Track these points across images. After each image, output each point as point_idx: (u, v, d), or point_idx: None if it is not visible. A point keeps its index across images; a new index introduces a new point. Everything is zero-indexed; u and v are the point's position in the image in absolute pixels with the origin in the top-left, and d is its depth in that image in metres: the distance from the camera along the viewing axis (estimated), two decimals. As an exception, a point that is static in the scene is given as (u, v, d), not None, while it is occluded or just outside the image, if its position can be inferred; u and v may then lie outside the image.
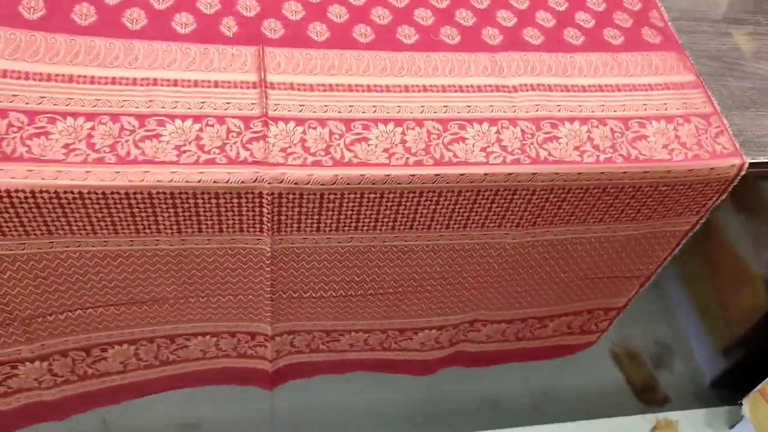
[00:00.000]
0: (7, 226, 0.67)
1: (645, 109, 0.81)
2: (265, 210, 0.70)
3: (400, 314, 0.90)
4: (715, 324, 1.28)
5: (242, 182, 0.67)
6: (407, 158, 0.72)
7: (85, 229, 0.70)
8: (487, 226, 0.80)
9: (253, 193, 0.68)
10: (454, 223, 0.78)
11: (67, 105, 0.70)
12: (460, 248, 0.83)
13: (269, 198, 0.68)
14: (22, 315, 0.76)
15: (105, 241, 0.72)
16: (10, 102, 0.69)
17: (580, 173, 0.75)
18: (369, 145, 0.72)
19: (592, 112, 0.79)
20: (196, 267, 0.78)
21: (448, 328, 0.96)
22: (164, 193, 0.66)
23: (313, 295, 0.83)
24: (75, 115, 0.69)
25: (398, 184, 0.70)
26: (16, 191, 0.64)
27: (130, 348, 0.87)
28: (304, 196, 0.69)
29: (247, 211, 0.69)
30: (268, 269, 0.78)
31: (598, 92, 0.82)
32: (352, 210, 0.72)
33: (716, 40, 0.96)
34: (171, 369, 0.93)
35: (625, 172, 0.76)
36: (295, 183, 0.68)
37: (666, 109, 0.82)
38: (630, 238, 0.87)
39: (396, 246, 0.80)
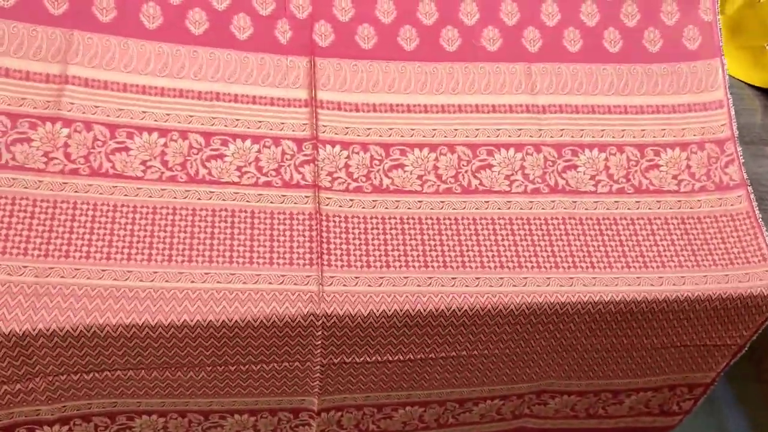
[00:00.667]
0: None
1: (663, 135, 0.88)
2: (314, 234, 0.78)
3: (461, 382, 0.82)
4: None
5: (295, 203, 0.79)
6: (438, 185, 0.82)
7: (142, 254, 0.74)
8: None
9: (303, 214, 0.78)
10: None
11: (143, 119, 0.80)
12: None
13: (317, 223, 0.77)
14: (45, 370, 0.69)
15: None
16: (93, 114, 0.79)
17: (596, 203, 0.84)
18: (405, 171, 0.83)
19: (613, 137, 0.87)
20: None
21: (512, 398, 0.87)
22: (227, 210, 0.78)
23: (368, 359, 0.77)
24: (150, 130, 0.80)
25: (431, 209, 0.80)
26: (103, 204, 0.75)
27: (159, 420, 0.78)
28: (349, 220, 0.79)
29: (298, 236, 0.78)
30: (320, 323, 0.72)
31: (621, 114, 0.89)
32: (398, 241, 0.79)
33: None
34: None
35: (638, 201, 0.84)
36: (339, 206, 0.79)
37: (683, 135, 0.88)
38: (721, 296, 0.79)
39: None
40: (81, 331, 0.66)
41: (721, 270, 0.81)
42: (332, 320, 0.71)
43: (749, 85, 1.08)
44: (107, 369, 0.71)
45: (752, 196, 0.86)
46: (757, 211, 0.85)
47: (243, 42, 0.84)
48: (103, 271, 0.70)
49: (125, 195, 0.75)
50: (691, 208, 0.84)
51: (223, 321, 0.68)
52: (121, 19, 0.82)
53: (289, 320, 0.70)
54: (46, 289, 0.67)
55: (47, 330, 0.65)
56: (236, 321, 0.69)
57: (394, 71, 0.86)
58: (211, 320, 0.68)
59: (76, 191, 0.73)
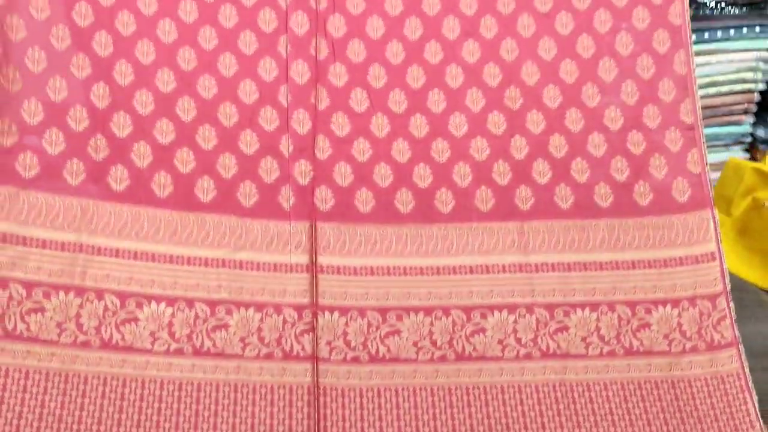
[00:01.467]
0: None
1: (654, 291, 0.90)
2: (311, 411, 0.80)
3: None
4: None
5: (294, 377, 0.80)
6: (432, 352, 0.83)
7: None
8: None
9: (302, 388, 0.80)
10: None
11: (151, 287, 0.84)
12: None
13: (315, 398, 0.79)
14: None
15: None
16: (105, 283, 0.83)
17: (586, 367, 0.84)
18: (401, 338, 0.84)
19: (604, 295, 0.89)
20: None
21: None
22: (229, 385, 0.80)
23: None
24: (158, 299, 0.83)
25: (425, 379, 0.81)
26: (113, 379, 0.78)
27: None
28: (346, 394, 0.81)
29: (297, 412, 0.80)
30: None
31: (613, 270, 0.91)
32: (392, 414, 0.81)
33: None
34: None
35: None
36: (337, 378, 0.80)
37: (674, 291, 0.90)
38: None
39: None
40: None
41: None
42: None
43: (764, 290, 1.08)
44: None
45: (743, 356, 0.86)
46: (747, 372, 0.85)
47: (248, 209, 0.89)
48: None
49: (134, 369, 0.76)
50: (681, 370, 0.85)
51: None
52: (134, 188, 0.88)
53: None
54: None
55: None
56: None
57: (391, 234, 0.90)
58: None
59: (87, 364, 0.75)
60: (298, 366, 0.78)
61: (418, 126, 0.95)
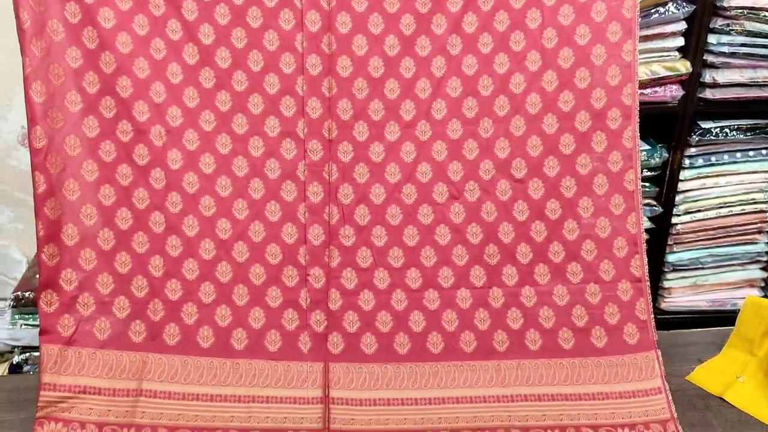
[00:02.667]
0: None
1: (613, 417, 1.31)
2: None
3: None
4: None
5: None
6: None
7: None
8: None
9: None
10: None
11: (195, 421, 1.29)
12: None
13: None
14: None
15: None
16: (159, 419, 1.30)
17: None
18: None
19: (571, 420, 1.30)
20: None
21: None
22: None
23: None
24: (201, 430, 1.29)
25: None
26: None
27: None
28: None
29: None
30: None
31: (577, 401, 1.33)
32: None
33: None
34: None
35: None
36: None
37: (630, 417, 1.30)
38: None
39: None
40: None
41: None
42: None
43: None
44: None
45: None
46: None
47: (274, 353, 1.35)
48: None
49: None
50: None
51: None
52: (183, 342, 1.36)
53: None
54: None
55: None
56: None
57: (390, 372, 1.35)
58: None
59: None
60: None
61: (413, 278, 1.40)
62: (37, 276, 1.39)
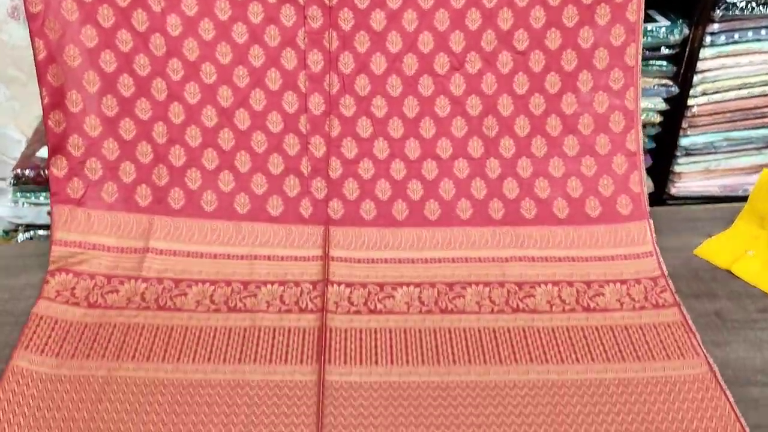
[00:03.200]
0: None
1: (605, 275, 1.48)
2: (319, 342, 1.35)
3: None
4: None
5: (308, 323, 1.39)
6: (421, 308, 1.42)
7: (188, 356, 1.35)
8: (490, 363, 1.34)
9: (314, 329, 1.37)
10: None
11: (199, 274, 1.48)
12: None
13: (324, 335, 1.35)
14: None
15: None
16: (165, 273, 1.48)
17: (551, 318, 1.41)
18: (395, 300, 1.44)
19: (564, 277, 1.48)
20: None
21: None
22: (255, 327, 1.38)
23: None
24: (203, 281, 1.47)
25: (414, 323, 1.39)
26: (164, 326, 1.39)
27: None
28: (348, 332, 1.37)
29: (308, 343, 1.36)
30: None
31: (570, 262, 1.51)
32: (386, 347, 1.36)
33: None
34: None
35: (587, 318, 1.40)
36: (341, 323, 1.39)
37: (621, 275, 1.47)
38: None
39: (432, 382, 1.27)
40: (134, 407, 1.23)
41: (659, 362, 1.32)
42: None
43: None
44: None
45: (685, 311, 1.41)
46: (689, 321, 1.39)
47: (276, 217, 1.54)
48: (157, 368, 1.31)
49: (181, 321, 1.39)
50: (632, 320, 1.40)
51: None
52: (187, 205, 1.54)
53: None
54: (114, 380, 1.28)
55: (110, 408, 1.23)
56: None
57: (388, 235, 1.53)
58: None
59: (145, 319, 1.39)
60: (311, 316, 1.39)
61: (412, 149, 1.57)
62: (36, 154, 1.58)
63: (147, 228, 1.52)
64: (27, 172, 1.82)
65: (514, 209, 1.56)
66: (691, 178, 2.01)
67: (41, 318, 1.37)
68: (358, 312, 1.42)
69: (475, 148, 1.58)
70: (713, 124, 1.94)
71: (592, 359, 1.33)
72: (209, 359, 1.32)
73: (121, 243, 1.51)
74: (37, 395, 1.23)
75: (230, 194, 1.56)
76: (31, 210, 1.88)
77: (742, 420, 1.20)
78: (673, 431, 1.19)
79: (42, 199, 1.87)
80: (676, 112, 1.91)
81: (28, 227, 1.95)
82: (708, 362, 1.31)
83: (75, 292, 1.43)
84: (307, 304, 1.43)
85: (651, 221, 1.56)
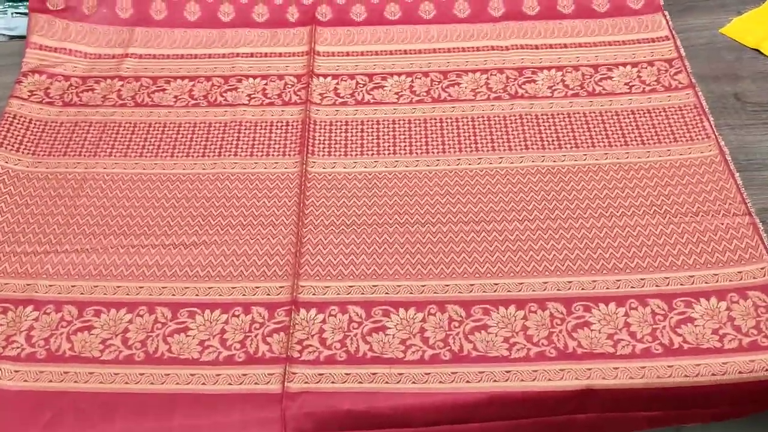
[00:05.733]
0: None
1: (615, 58, 1.39)
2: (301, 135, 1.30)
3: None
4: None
5: (291, 116, 1.33)
6: (412, 98, 1.36)
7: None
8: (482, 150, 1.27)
9: (297, 122, 1.32)
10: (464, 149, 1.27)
11: (178, 71, 1.44)
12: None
13: (306, 130, 1.30)
14: None
15: None
16: (143, 72, 1.43)
17: (551, 104, 1.33)
18: (384, 90, 1.38)
19: (569, 62, 1.39)
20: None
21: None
22: (236, 122, 1.33)
23: None
24: (183, 77, 1.42)
25: (403, 114, 1.32)
26: (141, 123, 1.34)
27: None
28: (333, 124, 1.31)
29: (291, 136, 1.29)
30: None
31: (576, 48, 1.41)
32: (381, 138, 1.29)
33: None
34: None
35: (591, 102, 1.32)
36: (326, 115, 1.33)
37: (633, 57, 1.38)
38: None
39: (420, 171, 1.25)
40: (112, 203, 1.21)
41: (665, 146, 1.24)
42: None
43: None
44: None
45: (700, 94, 1.31)
46: (704, 103, 1.29)
47: (261, 23, 1.48)
48: (135, 164, 1.27)
49: (159, 118, 1.35)
50: (641, 104, 1.31)
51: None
52: (170, 17, 1.49)
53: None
54: (91, 176, 1.25)
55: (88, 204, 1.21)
56: None
57: (380, 32, 1.46)
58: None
59: (122, 115, 1.35)
60: (294, 108, 1.34)
61: None
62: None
63: (127, 38, 1.48)
64: (12, -20, 1.77)
65: (516, 9, 1.47)
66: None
67: (14, 116, 1.35)
68: (344, 104, 1.36)
69: None
70: None
71: (593, 145, 1.25)
72: (188, 154, 1.29)
73: (99, 51, 1.46)
74: (14, 192, 1.22)
75: (214, 4, 1.51)
76: (22, 20, 1.83)
77: (748, 202, 1.13)
78: (673, 213, 1.13)
79: (31, 10, 1.80)
80: None
81: (22, 38, 1.90)
82: (719, 145, 1.22)
83: (49, 92, 1.40)
84: (291, 97, 1.38)
85: (666, 13, 1.45)
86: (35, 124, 1.34)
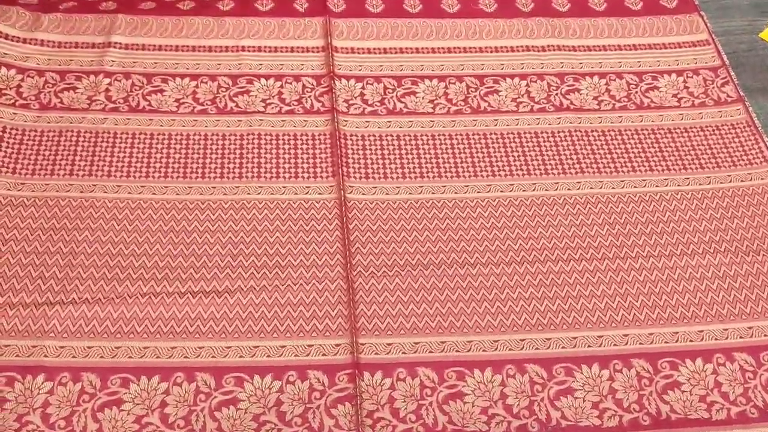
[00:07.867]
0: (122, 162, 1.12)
1: (658, 65, 1.29)
2: (334, 150, 1.15)
3: None
4: None
5: (316, 127, 1.18)
6: (449, 107, 1.22)
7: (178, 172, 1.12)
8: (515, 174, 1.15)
9: (324, 135, 1.17)
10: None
11: (176, 68, 1.23)
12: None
13: (337, 139, 1.15)
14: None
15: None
16: (132, 67, 1.22)
17: (600, 118, 1.22)
18: (417, 97, 1.22)
19: (611, 68, 1.27)
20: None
21: None
22: (253, 134, 1.17)
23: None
24: (182, 76, 1.22)
25: (443, 127, 1.19)
26: (141, 134, 1.15)
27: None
28: (365, 139, 1.17)
29: (320, 153, 1.15)
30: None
31: (617, 50, 1.30)
32: (411, 154, 1.16)
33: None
34: None
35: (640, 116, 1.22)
36: (356, 127, 1.18)
37: (678, 64, 1.28)
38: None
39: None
40: (122, 238, 1.04)
41: (724, 171, 1.17)
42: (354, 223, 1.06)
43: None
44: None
45: (750, 108, 1.24)
46: (756, 120, 1.22)
47: (265, 12, 1.29)
48: (142, 186, 1.08)
49: (161, 125, 1.16)
50: (692, 119, 1.23)
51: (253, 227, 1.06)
52: (160, 6, 1.28)
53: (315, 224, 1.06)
54: (90, 203, 1.06)
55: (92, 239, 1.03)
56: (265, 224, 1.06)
57: (401, 26, 1.30)
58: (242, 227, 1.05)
59: (116, 124, 1.15)
60: (319, 118, 1.18)
61: None
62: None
63: (108, 25, 1.26)
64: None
65: (545, 1, 1.36)
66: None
67: (-16, 125, 1.13)
68: (374, 113, 1.21)
69: None
70: None
71: (650, 169, 1.16)
72: (203, 174, 1.11)
73: (75, 39, 1.24)
74: None
75: None
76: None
77: None
78: (738, 240, 1.08)
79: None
80: None
81: None
82: None
83: (21, 91, 1.18)
84: (312, 104, 1.21)
85: (703, 13, 1.37)
86: (10, 133, 1.12)
